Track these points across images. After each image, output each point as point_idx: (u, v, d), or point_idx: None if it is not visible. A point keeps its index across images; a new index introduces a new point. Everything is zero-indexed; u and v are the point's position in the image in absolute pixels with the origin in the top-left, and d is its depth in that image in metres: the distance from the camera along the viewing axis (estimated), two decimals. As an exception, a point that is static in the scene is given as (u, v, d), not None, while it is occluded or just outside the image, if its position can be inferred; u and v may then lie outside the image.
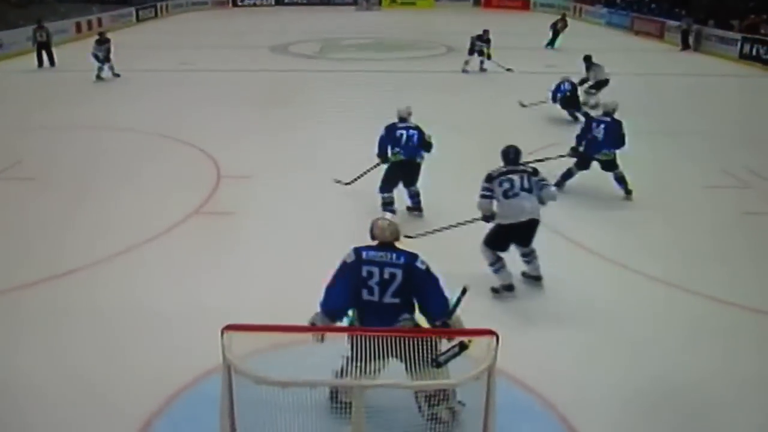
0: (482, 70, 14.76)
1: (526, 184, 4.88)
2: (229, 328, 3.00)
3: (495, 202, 4.95)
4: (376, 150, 6.35)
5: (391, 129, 6.26)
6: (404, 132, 6.19)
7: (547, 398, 3.82)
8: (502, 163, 5.04)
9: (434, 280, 3.45)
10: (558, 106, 10.18)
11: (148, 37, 21.69)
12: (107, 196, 7.04)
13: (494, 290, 5.01)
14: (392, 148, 6.20)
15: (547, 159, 7.23)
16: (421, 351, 2.98)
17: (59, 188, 7.34)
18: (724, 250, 5.92)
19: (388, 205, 6.12)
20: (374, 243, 3.52)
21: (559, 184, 6.95)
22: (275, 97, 11.83)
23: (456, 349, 3.05)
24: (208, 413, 3.24)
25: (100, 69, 13.68)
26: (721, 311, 4.91)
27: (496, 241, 4.95)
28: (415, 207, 6.45)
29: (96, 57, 13.75)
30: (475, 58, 14.61)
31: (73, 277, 5.33)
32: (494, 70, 14.39)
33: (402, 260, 3.42)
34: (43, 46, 15.19)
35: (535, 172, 5.03)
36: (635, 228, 6.39)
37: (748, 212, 6.89)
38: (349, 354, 3.06)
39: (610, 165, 6.97)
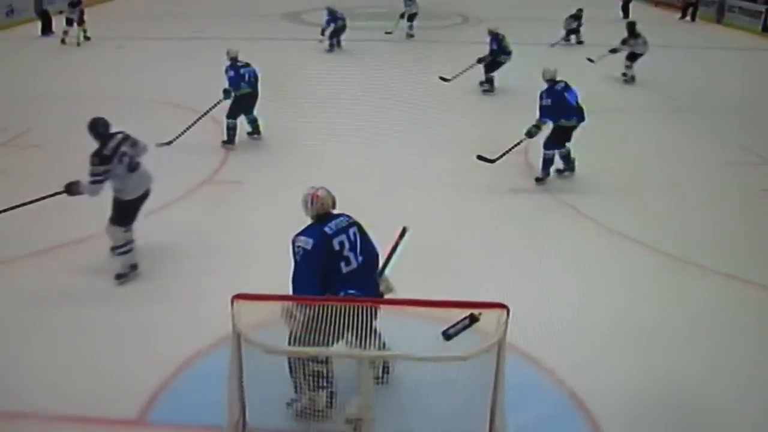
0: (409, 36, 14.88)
1: (133, 151, 4.78)
2: (239, 297, 2.98)
3: (111, 182, 4.72)
4: (226, 86, 7.41)
5: (236, 68, 7.39)
6: (246, 70, 7.44)
7: (556, 375, 3.80)
8: (97, 141, 4.69)
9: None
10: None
11: (159, 4, 21.45)
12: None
13: (120, 276, 4.83)
14: (238, 84, 7.34)
15: (516, 145, 6.70)
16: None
17: (68, 156, 7.30)
18: (743, 228, 5.79)
19: (231, 130, 7.43)
20: (312, 222, 3.42)
21: (544, 177, 6.61)
22: (286, 66, 11.69)
23: (466, 322, 3.01)
24: (213, 385, 3.26)
25: (65, 33, 13.30)
26: (741, 290, 4.83)
27: (125, 217, 4.83)
28: (255, 131, 7.69)
29: (69, 21, 13.31)
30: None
31: (79, 246, 5.33)
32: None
33: (350, 218, 3.45)
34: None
35: (127, 135, 4.82)
36: (652, 206, 6.26)
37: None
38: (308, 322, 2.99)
39: (571, 134, 6.53)
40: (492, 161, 6.63)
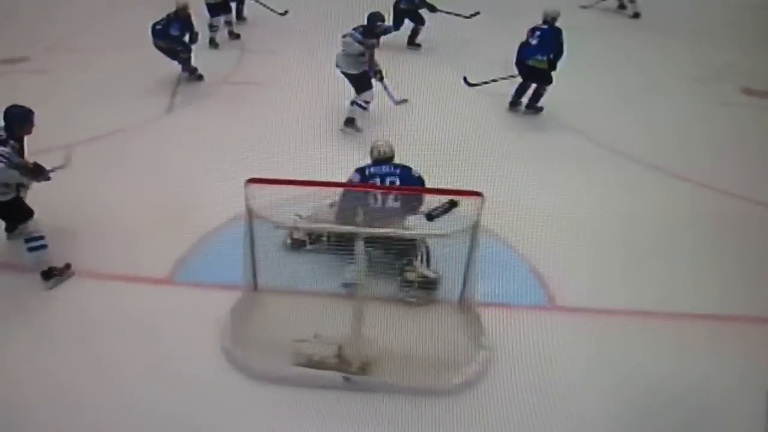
0: None
1: None
2: (252, 181, 3.46)
3: None
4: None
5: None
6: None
7: (521, 253, 4.37)
8: None
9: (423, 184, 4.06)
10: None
11: None
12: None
13: None
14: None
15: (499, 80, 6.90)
16: None
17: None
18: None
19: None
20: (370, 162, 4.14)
21: (512, 101, 6.79)
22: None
23: (446, 206, 3.51)
24: (233, 251, 3.84)
25: None
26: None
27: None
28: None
29: None
30: None
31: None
32: None
33: (398, 171, 4.05)
34: None
35: None
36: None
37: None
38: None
39: (541, 76, 6.56)
40: (471, 84, 6.99)
